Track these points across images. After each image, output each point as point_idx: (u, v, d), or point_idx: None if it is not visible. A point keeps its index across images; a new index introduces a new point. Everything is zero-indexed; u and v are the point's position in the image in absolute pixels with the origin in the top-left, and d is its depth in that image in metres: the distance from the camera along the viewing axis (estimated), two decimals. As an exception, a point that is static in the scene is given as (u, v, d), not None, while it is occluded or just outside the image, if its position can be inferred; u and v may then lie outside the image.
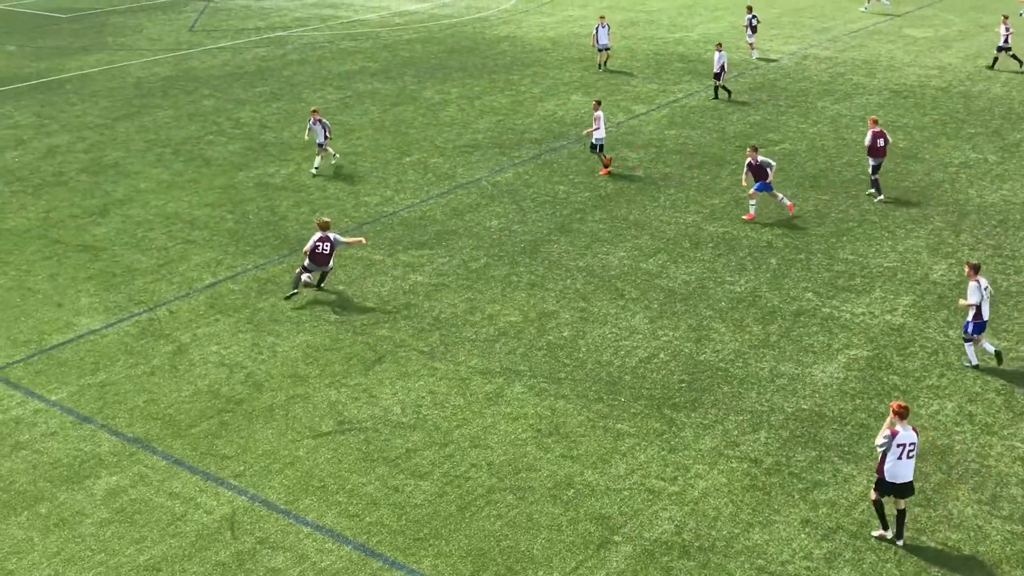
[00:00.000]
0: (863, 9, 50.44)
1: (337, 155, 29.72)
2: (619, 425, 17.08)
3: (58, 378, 18.81)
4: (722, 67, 34.90)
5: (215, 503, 15.34)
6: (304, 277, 21.32)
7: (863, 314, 20.58)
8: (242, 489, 15.63)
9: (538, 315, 20.77)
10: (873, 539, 14.38)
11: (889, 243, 23.84)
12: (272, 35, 47.97)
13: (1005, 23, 38.71)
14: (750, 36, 41.28)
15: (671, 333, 19.98)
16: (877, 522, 14.50)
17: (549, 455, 16.32)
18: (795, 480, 15.66)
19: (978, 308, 18.22)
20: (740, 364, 18.85)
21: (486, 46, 44.61)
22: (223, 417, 17.50)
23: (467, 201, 26.81)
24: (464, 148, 31.05)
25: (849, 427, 16.91)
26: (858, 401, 17.64)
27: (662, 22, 48.93)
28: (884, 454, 13.86)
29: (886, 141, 26.01)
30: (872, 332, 19.91)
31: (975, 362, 18.62)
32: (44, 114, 35.77)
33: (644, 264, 22.96)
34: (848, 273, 22.32)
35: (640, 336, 19.89)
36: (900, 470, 13.89)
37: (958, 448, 16.38)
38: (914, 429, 14.02)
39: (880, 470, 13.97)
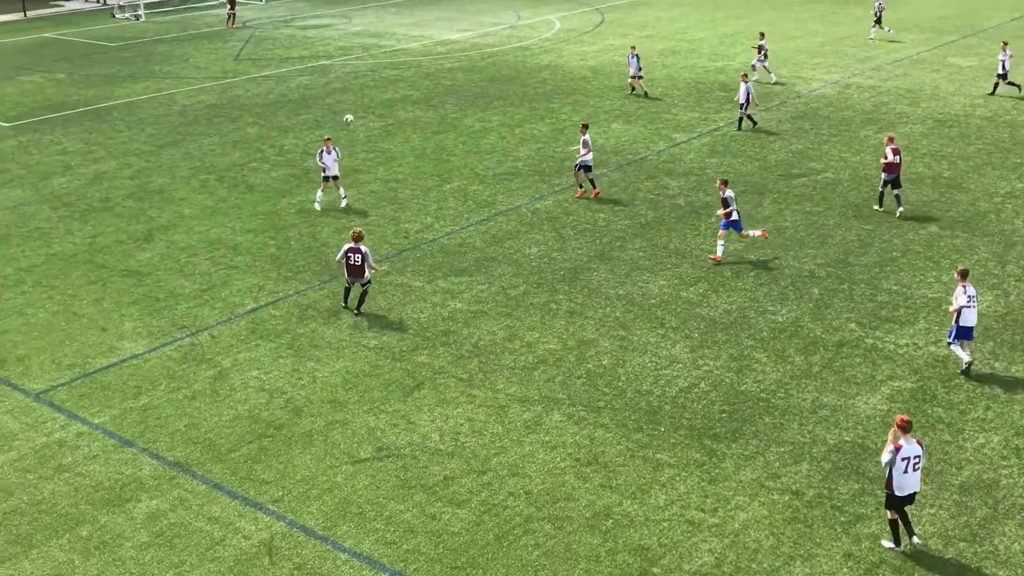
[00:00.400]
0: (871, 38, 50.47)
1: (346, 199, 28.70)
2: (659, 455, 16.94)
3: (101, 401, 19.00)
4: (747, 98, 34.75)
5: (253, 528, 15.38)
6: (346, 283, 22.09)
7: (907, 345, 20.31)
8: (280, 514, 15.66)
9: (577, 343, 20.70)
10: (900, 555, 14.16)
11: (934, 274, 23.54)
12: (315, 64, 48.51)
13: (1005, 50, 38.76)
14: (763, 61, 41.92)
15: (712, 363, 19.82)
16: (907, 551, 14.24)
17: (588, 485, 16.21)
18: (837, 513, 15.42)
19: (960, 311, 18.80)
20: (782, 395, 18.65)
21: (527, 75, 44.81)
22: (262, 442, 17.57)
23: (507, 228, 26.84)
24: (504, 175, 31.14)
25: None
26: (902, 433, 17.37)
27: (703, 51, 48.91)
28: (891, 470, 14.06)
29: (899, 158, 26.68)
30: (916, 364, 19.63)
31: (968, 360, 19.03)
32: (91, 141, 36.36)
33: (685, 293, 22.84)
34: (892, 304, 22.06)
35: (680, 365, 19.75)
36: (907, 483, 14.14)
37: (1004, 482, 16.07)
38: (918, 442, 14.23)
39: (889, 486, 14.20)
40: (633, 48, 40.83)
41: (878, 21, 50.61)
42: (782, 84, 41.42)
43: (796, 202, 28.31)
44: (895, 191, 26.99)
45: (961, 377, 19.10)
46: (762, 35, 42.74)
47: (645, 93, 40.33)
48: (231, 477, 16.61)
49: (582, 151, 28.35)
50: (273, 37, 56.05)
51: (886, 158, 26.57)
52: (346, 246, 21.76)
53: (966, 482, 16.06)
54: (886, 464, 14.08)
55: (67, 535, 15.38)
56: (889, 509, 14.47)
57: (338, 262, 21.95)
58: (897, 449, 14.01)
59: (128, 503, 16.03)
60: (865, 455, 16.79)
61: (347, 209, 28.43)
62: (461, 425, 17.91)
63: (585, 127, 28.86)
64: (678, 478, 16.33)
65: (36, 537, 15.36)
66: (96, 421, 18.34)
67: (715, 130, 35.40)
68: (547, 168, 31.71)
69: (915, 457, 14.07)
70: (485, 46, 51.71)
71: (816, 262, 24.26)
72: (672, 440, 17.34)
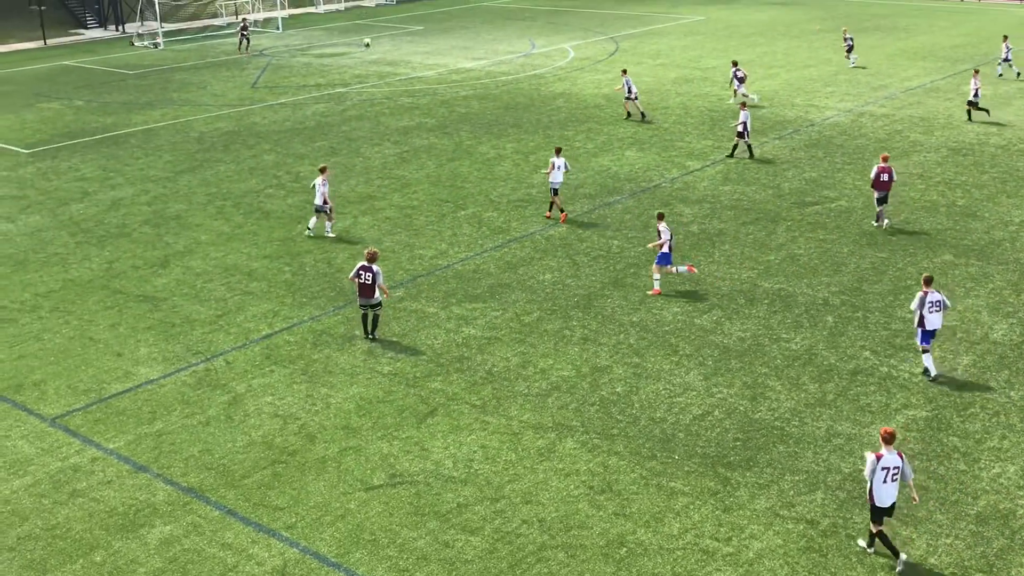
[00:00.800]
0: (851, 65, 51.40)
1: (331, 229, 28.67)
2: (673, 483, 16.86)
3: (116, 427, 19.04)
4: (745, 126, 34.75)
5: (267, 555, 15.35)
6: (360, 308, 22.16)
7: (922, 374, 20.20)
8: (293, 541, 15.63)
9: (591, 370, 20.67)
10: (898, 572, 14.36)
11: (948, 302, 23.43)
12: (332, 91, 48.83)
13: (975, 78, 39.80)
14: (738, 86, 42.98)
15: (726, 390, 19.76)
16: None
17: (601, 513, 16.14)
18: (852, 542, 15.30)
19: (923, 317, 19.55)
20: (796, 423, 18.57)
21: (541, 103, 45.00)
22: (276, 468, 17.57)
23: (521, 255, 26.88)
24: (518, 202, 31.21)
25: (908, 489, 16.52)
26: (917, 462, 17.25)
27: (716, 79, 49.04)
28: (871, 481, 14.51)
29: (891, 177, 27.58)
30: (931, 392, 19.52)
31: (934, 373, 19.80)
32: (109, 167, 36.62)
33: (699, 320, 22.80)
34: (906, 332, 21.96)
35: (694, 393, 19.69)
36: (885, 493, 14.53)
37: (1021, 512, 15.92)
38: (899, 453, 14.61)
39: (871, 497, 14.57)
40: (624, 72, 41.74)
41: (849, 50, 51.98)
42: (762, 106, 41.67)
43: (810, 230, 28.28)
44: (881, 207, 28.10)
45: (977, 406, 18.98)
46: (735, 63, 43.95)
47: (642, 114, 41.04)
48: (244, 503, 16.60)
49: (550, 172, 29.04)
50: (290, 65, 56.47)
51: (876, 178, 27.54)
52: (359, 264, 21.85)
53: (982, 512, 15.93)
54: (868, 477, 14.52)
55: (81, 560, 15.38)
56: (874, 523, 14.78)
57: (350, 280, 22.07)
58: (878, 459, 14.44)
59: (142, 529, 16.04)
60: (880, 484, 16.67)
61: (311, 236, 28.66)
62: (474, 452, 17.87)
63: (558, 150, 29.44)
64: (692, 506, 16.24)
65: (50, 562, 15.36)
66: (111, 446, 18.38)
67: (729, 158, 35.42)
68: (561, 195, 31.75)
69: (894, 468, 14.48)
70: (500, 74, 51.97)
71: (830, 290, 24.20)
72: (686, 468, 17.27)
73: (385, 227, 29.41)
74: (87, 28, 73.08)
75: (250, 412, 19.41)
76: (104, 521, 16.27)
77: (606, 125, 40.58)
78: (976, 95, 39.61)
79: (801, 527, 15.68)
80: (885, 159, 27.74)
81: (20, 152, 39.12)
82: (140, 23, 70.99)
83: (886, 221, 28.23)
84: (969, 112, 40.04)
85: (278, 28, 70.13)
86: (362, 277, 21.72)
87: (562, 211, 29.54)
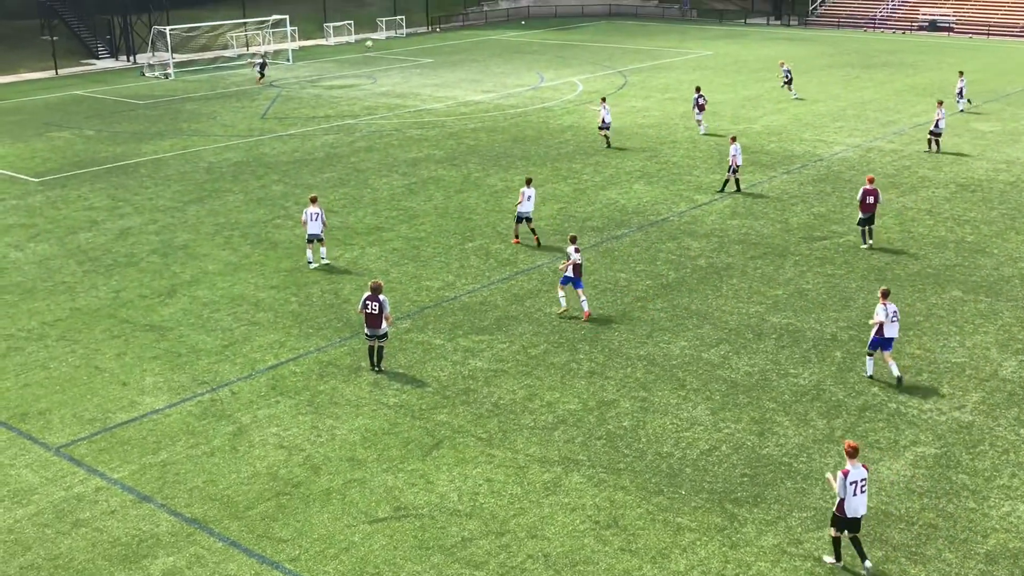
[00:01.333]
0: (794, 97, 52.71)
1: (325, 256, 28.91)
2: (679, 519, 16.76)
3: (121, 456, 19.01)
4: (733, 158, 34.91)
5: (269, 587, 15.26)
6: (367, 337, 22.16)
7: (931, 410, 20.11)
8: (297, 574, 15.54)
9: (598, 403, 20.61)
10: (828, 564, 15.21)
11: (957, 338, 23.37)
12: (341, 123, 49.11)
13: (940, 108, 40.57)
14: (698, 115, 44.47)
15: (733, 425, 19.68)
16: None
17: (607, 548, 16.03)
18: (861, 581, 15.17)
19: (881, 325, 20.81)
20: (804, 459, 18.47)
21: (549, 135, 45.18)
22: (280, 500, 17.51)
23: (528, 287, 26.89)
24: (525, 235, 31.24)
25: (916, 527, 16.41)
26: (926, 500, 17.14)
27: (725, 114, 49.23)
28: (842, 498, 15.10)
29: (876, 199, 29.09)
30: (940, 429, 19.42)
31: (870, 373, 21.36)
32: (118, 196, 36.80)
33: (706, 354, 22.75)
34: (915, 368, 21.88)
35: (701, 428, 19.61)
36: (856, 505, 15.10)
37: (1033, 552, 15.78)
38: (864, 466, 15.20)
39: (840, 510, 15.14)
40: (603, 100, 43.12)
41: (788, 83, 53.15)
42: (711, 135, 43.90)
43: (818, 264, 28.27)
44: (868, 227, 29.56)
45: (986, 444, 18.87)
46: (698, 89, 45.38)
47: (608, 142, 42.69)
48: (248, 535, 16.53)
49: (524, 202, 29.76)
50: (300, 97, 56.84)
51: (862, 200, 29.07)
52: (365, 295, 21.89)
53: (992, 551, 15.80)
54: (840, 494, 15.06)
55: (83, 591, 15.29)
56: (833, 527, 15.34)
57: (359, 313, 22.08)
58: (845, 474, 15.02)
59: (144, 559, 15.96)
60: (888, 522, 16.56)
61: (315, 267, 28.73)
62: (480, 485, 17.79)
63: (529, 180, 30.13)
64: (699, 542, 16.13)
65: (52, 593, 15.28)
66: (115, 476, 18.34)
67: (736, 192, 35.48)
68: (568, 227, 31.82)
69: (862, 480, 15.07)
70: (508, 107, 52.24)
71: (838, 325, 24.14)
72: (693, 504, 17.17)
73: (392, 258, 29.46)
74: (98, 58, 73.71)
75: (255, 443, 19.37)
76: (107, 551, 16.20)
77: (614, 158, 40.71)
78: (937, 126, 40.35)
79: (808, 564, 15.56)
80: (871, 181, 29.29)
81: (30, 180, 39.35)
82: (151, 54, 71.55)
83: (870, 241, 29.59)
84: (929, 142, 40.74)
85: (288, 60, 70.67)
86: (368, 307, 21.76)
87: (536, 237, 30.43)
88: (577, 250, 24.62)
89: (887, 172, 37.75)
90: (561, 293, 25.07)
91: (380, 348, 22.13)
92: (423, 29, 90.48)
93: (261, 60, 62.06)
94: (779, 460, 18.44)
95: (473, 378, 21.81)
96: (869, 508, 16.87)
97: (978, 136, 43.48)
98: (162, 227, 33.06)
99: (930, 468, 18.11)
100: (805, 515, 16.77)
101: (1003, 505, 17.02)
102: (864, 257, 28.77)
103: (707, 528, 16.49)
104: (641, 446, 18.98)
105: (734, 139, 35.33)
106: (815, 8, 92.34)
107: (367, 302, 21.82)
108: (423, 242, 30.89)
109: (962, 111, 48.12)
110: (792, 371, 21.88)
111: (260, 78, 61.24)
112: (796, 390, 21.04)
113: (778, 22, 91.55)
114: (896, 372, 21.04)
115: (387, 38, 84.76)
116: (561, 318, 24.83)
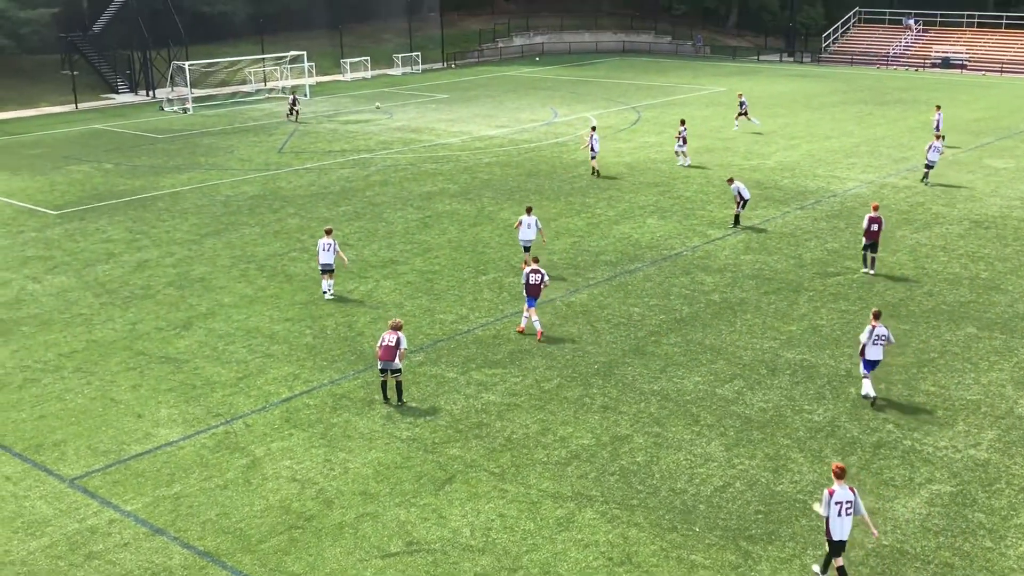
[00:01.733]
0: (735, 127, 54.25)
1: (331, 288, 29.00)
2: (693, 556, 16.60)
3: (134, 488, 18.97)
4: (739, 194, 35.21)
5: (281, 622, 15.15)
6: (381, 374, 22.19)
7: (946, 448, 19.93)
8: (309, 608, 15.43)
9: (611, 439, 20.50)
10: None
11: (972, 375, 23.21)
12: (357, 157, 49.36)
13: (937, 141, 41.51)
14: (680, 146, 45.32)
15: (747, 462, 19.53)
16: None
17: (620, 584, 15.88)
18: (877, 621, 14.97)
19: (864, 347, 21.41)
20: (819, 496, 18.30)
21: (563, 170, 45.30)
22: (293, 533, 17.43)
23: (542, 321, 26.83)
24: (540, 269, 31.23)
25: (932, 566, 16.22)
26: (942, 539, 16.95)
27: (738, 149, 49.30)
28: (827, 517, 15.17)
29: (880, 226, 29.82)
30: (956, 467, 19.24)
31: (865, 393, 21.70)
32: (136, 229, 36.99)
33: (720, 390, 22.64)
34: (930, 405, 21.72)
35: (715, 464, 19.47)
36: (841, 527, 15.18)
37: (1051, 593, 15.57)
38: (851, 488, 15.31)
39: (828, 534, 15.21)
40: (593, 129, 44.42)
41: (744, 114, 54.29)
42: (691, 167, 44.71)
43: (832, 300, 28.16)
44: (872, 254, 30.15)
45: (1002, 482, 18.68)
46: (682, 122, 46.36)
47: (597, 173, 43.55)
48: (260, 568, 16.44)
49: (522, 229, 30.42)
50: (316, 131, 57.19)
51: (867, 228, 29.76)
52: (385, 332, 22.01)
53: (1010, 591, 15.59)
54: (824, 515, 15.18)
55: (94, 624, 15.21)
56: (834, 556, 15.32)
57: (378, 348, 22.02)
58: (831, 494, 15.14)
59: (157, 593, 15.88)
60: (904, 560, 16.36)
61: (330, 298, 28.92)
62: (492, 520, 17.68)
63: (529, 209, 30.75)
64: (713, 580, 15.96)
65: (63, 625, 15.21)
66: (128, 508, 18.30)
67: (749, 227, 35.46)
68: (582, 262, 31.83)
69: (847, 502, 15.15)
70: (522, 142, 52.45)
71: (852, 361, 23.99)
72: (707, 541, 17.01)
73: (406, 291, 29.49)
74: (118, 93, 74.39)
75: (268, 476, 19.32)
76: (119, 584, 16.12)
77: (627, 193, 40.76)
78: (929, 160, 40.97)
79: (824, 603, 15.36)
80: (875, 208, 30.08)
81: (49, 213, 39.61)
82: (170, 88, 72.22)
83: (872, 270, 30.20)
84: (926, 175, 41.49)
85: (306, 95, 71.18)
86: (384, 340, 21.77)
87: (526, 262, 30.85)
88: (536, 271, 25.61)
89: (900, 208, 37.68)
90: (525, 313, 26.02)
91: (397, 383, 22.08)
92: (438, 65, 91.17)
93: (292, 96, 62.27)
94: (794, 497, 18.27)
95: (486, 412, 21.74)
96: (884, 547, 16.69)
97: (991, 173, 43.40)
98: (179, 260, 33.19)
99: (946, 506, 17.92)
100: (820, 553, 16.58)
101: (1020, 544, 16.81)
102: (878, 293, 28.65)
103: (721, 565, 16.33)
104: (655, 482, 18.85)
105: (731, 180, 35.40)
106: (828, 45, 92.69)
107: (384, 335, 21.85)
108: (437, 275, 30.93)
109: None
110: (807, 407, 21.74)
111: (289, 114, 61.21)
112: (811, 426, 20.90)
113: (791, 59, 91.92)
114: (870, 393, 21.61)
115: (403, 74, 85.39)
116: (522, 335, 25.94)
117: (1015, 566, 16.19)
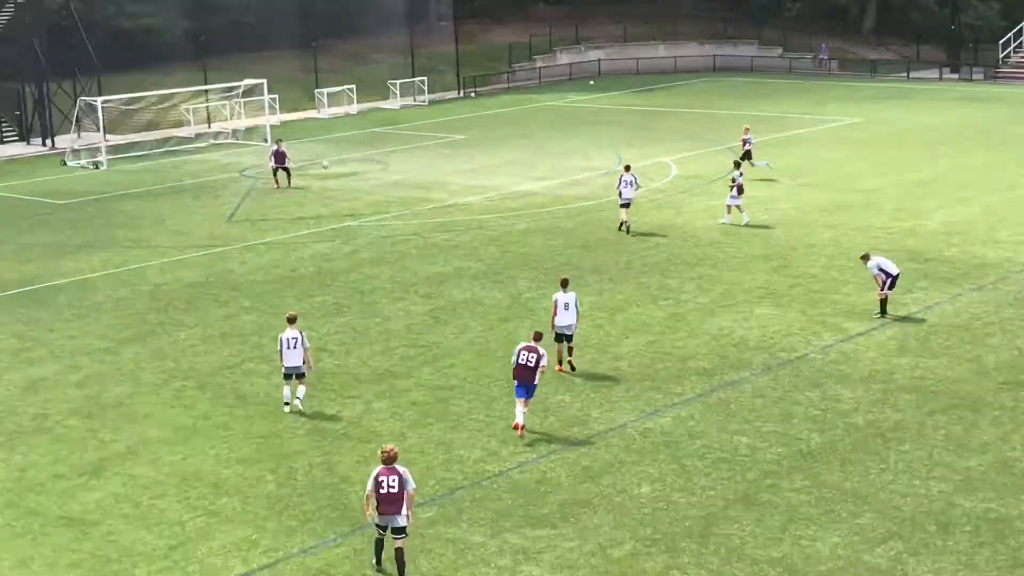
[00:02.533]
0: (764, 166, 56.03)
1: (301, 399, 29.77)
2: None
3: None
4: (882, 272, 35.10)
5: None
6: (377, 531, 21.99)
7: None
8: None
9: (711, 630, 20.18)
10: None
11: None
12: (338, 226, 49.83)
13: None
14: (733, 197, 46.87)
15: (913, 662, 19.11)
16: None
17: None
18: None
19: None
20: None
21: (631, 239, 45.46)
22: None
23: (605, 457, 26.68)
24: (600, 381, 31.16)
25: None
26: None
27: (884, 206, 49.36)
28: None
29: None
30: None
31: None
32: (26, 335, 37.30)
33: (868, 556, 22.30)
34: None
35: (865, 666, 19.07)
36: None
37: None
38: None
39: None
40: (628, 168, 45.97)
41: (747, 155, 55.65)
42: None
43: (1029, 421, 27.90)
44: None
45: None
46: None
47: (628, 228, 45.36)
48: None
49: (561, 313, 31.61)
50: (280, 191, 57.82)
51: None
52: (376, 469, 21.66)
53: None
54: None
55: None
56: None
57: (368, 495, 21.78)
58: None
59: None
60: None
61: (292, 410, 29.58)
62: None
63: (564, 283, 32.21)
64: None
65: None
66: None
67: (904, 318, 35.32)
68: (662, 370, 31.72)
69: None
70: (573, 199, 52.79)
71: (1063, 510, 23.64)
72: None
73: (410, 416, 29.44)
74: (3, 143, 75.76)
75: None
76: None
77: (726, 270, 40.76)
78: None
79: None
80: None
81: (-96, 313, 40.11)
82: (76, 135, 72.70)
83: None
84: None
85: (266, 140, 71.70)
86: (383, 486, 21.51)
87: (569, 361, 31.97)
88: (532, 348, 27.38)
89: (1123, 285, 37.43)
90: (517, 407, 27.55)
91: (398, 550, 21.84)
92: (452, 94, 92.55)
93: (277, 146, 58.06)
94: None
95: (529, 593, 21.54)
96: None
97: None
98: (87, 377, 33.38)
99: None
100: None
101: None
102: (1096, 409, 28.32)
103: None
104: None
105: (867, 257, 35.14)
106: (1007, 56, 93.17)
107: (382, 476, 21.60)
108: (453, 393, 30.89)
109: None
110: (997, 579, 21.38)
111: (276, 173, 58.19)
112: (1005, 608, 20.49)
113: (955, 75, 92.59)
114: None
115: (402, 107, 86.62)
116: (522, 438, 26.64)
117: None
